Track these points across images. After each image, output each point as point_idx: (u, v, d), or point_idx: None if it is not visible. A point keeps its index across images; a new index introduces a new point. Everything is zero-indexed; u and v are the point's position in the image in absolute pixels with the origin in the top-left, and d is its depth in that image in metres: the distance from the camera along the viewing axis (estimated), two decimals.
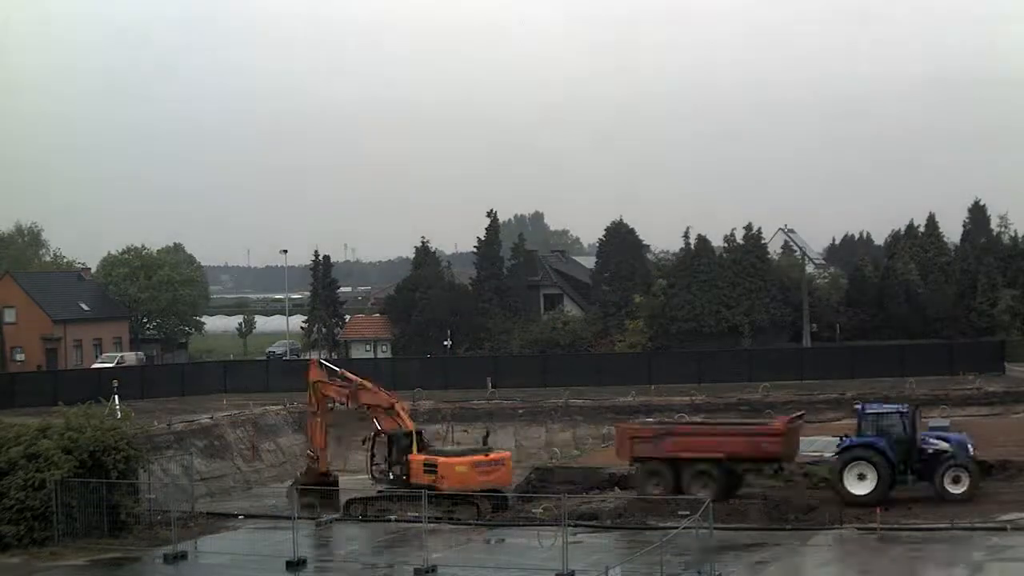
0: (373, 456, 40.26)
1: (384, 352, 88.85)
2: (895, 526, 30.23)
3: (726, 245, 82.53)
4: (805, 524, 31.47)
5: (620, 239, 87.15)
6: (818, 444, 47.88)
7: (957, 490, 34.25)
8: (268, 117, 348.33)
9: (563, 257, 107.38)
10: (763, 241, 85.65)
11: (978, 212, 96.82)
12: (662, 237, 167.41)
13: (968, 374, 62.50)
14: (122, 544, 31.34)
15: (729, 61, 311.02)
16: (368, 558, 29.26)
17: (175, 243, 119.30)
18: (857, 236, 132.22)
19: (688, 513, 27.96)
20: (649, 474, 37.47)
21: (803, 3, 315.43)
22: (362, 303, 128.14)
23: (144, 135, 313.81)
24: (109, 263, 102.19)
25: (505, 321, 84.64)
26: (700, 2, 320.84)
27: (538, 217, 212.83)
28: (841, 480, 34.94)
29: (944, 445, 35.43)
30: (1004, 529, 29.57)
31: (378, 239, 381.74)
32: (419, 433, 40.18)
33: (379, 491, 39.26)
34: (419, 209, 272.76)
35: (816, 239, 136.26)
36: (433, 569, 27.04)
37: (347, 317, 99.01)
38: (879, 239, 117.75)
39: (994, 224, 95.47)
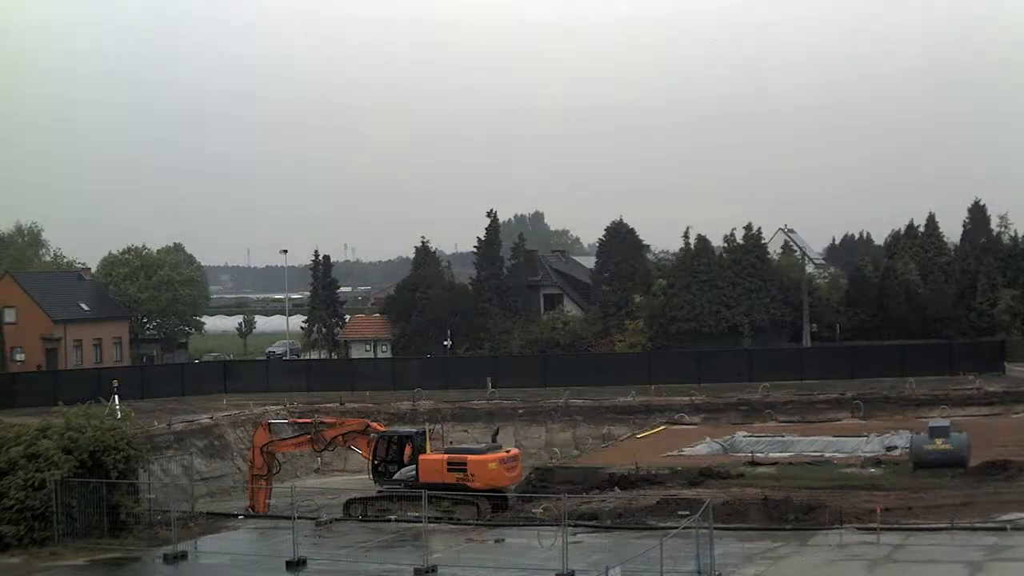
0: (378, 459, 39.89)
1: (384, 352, 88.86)
2: (895, 526, 30.21)
3: (726, 245, 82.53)
4: (805, 524, 31.44)
5: (620, 239, 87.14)
6: (818, 444, 47.95)
7: None
8: (268, 117, 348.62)
9: (563, 257, 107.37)
10: (763, 241, 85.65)
11: (978, 212, 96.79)
12: (662, 237, 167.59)
13: (968, 374, 62.54)
14: (122, 544, 31.32)
15: (729, 61, 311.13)
16: (368, 558, 29.24)
17: (175, 243, 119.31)
18: (857, 236, 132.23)
19: (688, 513, 27.94)
20: None
21: (803, 2, 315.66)
22: (362, 303, 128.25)
23: (144, 134, 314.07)
24: (109, 263, 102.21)
25: (505, 321, 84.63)
26: (700, 2, 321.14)
27: (538, 217, 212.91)
28: None
29: None
30: (1004, 529, 29.56)
31: (378, 239, 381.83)
32: (421, 434, 40.07)
33: (378, 491, 39.25)
34: (419, 209, 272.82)
35: (816, 239, 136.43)
36: (433, 569, 27.03)
37: (347, 317, 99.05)
38: (879, 239, 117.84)
39: (994, 224, 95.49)
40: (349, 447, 41.37)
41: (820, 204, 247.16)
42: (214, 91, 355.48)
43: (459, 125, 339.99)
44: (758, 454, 43.97)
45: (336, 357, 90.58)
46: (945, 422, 41.85)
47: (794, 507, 33.53)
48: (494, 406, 61.99)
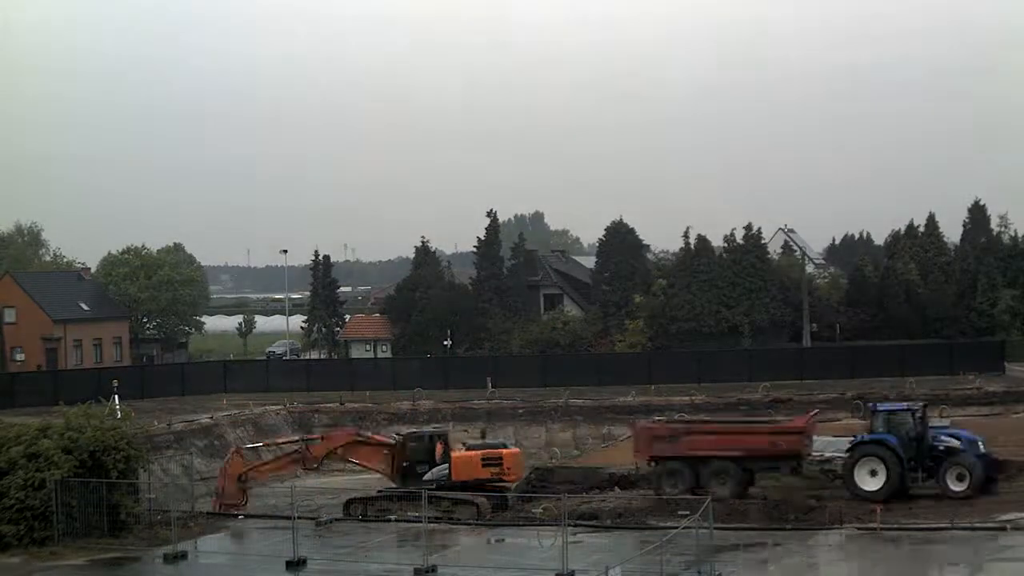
0: (406, 461, 39.37)
1: (384, 352, 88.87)
2: (895, 526, 30.22)
3: (726, 245, 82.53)
4: (805, 524, 31.46)
5: (620, 239, 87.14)
6: (818, 444, 47.84)
7: (958, 488, 34.30)
8: (269, 117, 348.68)
9: (563, 257, 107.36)
10: (763, 241, 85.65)
11: (978, 212, 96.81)
12: (662, 237, 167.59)
13: (968, 374, 62.54)
14: (122, 544, 31.33)
15: (729, 61, 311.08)
16: (368, 558, 29.24)
17: (175, 243, 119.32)
18: (857, 236, 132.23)
19: (688, 513, 27.96)
20: (667, 473, 37.30)
21: (803, 2, 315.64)
22: (362, 303, 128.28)
23: (144, 134, 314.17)
24: (109, 263, 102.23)
25: (505, 321, 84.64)
26: (700, 2, 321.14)
27: (538, 217, 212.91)
28: (852, 476, 35.03)
29: (955, 443, 35.50)
30: (1004, 529, 29.57)
31: (378, 239, 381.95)
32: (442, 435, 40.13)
33: (378, 491, 39.22)
34: (419, 209, 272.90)
35: (816, 239, 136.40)
36: (433, 569, 27.04)
37: (347, 317, 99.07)
38: (879, 239, 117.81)
39: (994, 224, 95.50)
40: (346, 459, 40.87)
41: (820, 204, 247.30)
42: (214, 91, 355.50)
43: (459, 125, 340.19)
44: None
45: (336, 357, 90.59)
46: (945, 422, 41.83)
47: (794, 507, 33.55)
48: (494, 406, 62.00)
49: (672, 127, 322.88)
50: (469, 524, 33.97)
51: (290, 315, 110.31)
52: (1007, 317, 78.31)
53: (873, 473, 34.84)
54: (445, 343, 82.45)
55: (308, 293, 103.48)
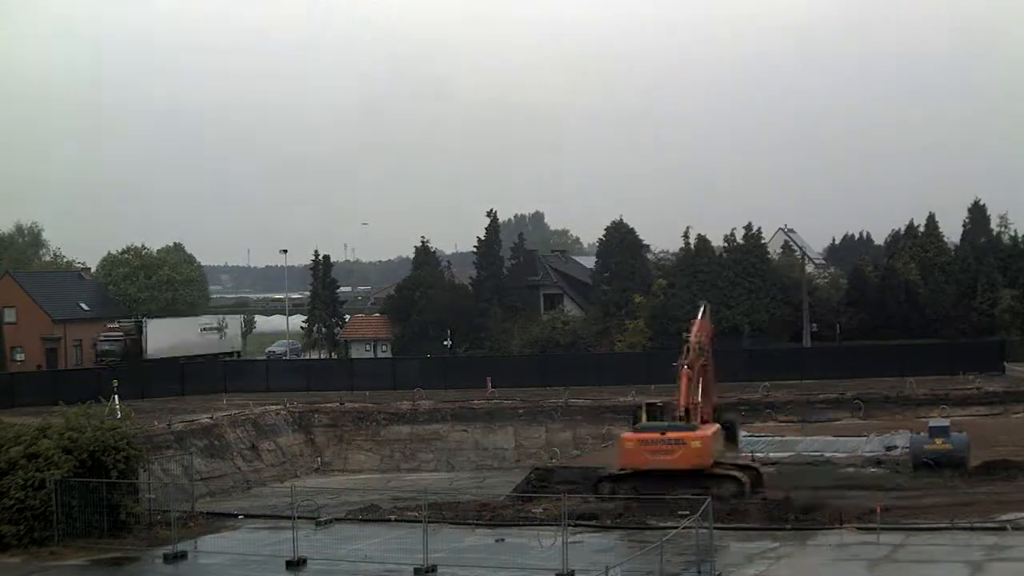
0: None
1: (384, 352, 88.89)
2: (895, 526, 30.22)
3: (726, 245, 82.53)
4: (805, 524, 31.45)
5: (620, 239, 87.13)
6: (818, 444, 47.93)
7: None
8: (268, 116, 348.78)
9: (563, 257, 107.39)
10: (763, 241, 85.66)
11: (978, 212, 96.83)
12: (662, 237, 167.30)
13: (968, 374, 62.52)
14: (122, 544, 31.31)
15: (729, 60, 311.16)
16: (368, 558, 29.22)
17: (175, 243, 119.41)
18: (857, 236, 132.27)
19: (688, 513, 27.94)
20: None
21: (803, 2, 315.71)
22: (362, 303, 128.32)
23: (144, 133, 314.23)
24: (109, 263, 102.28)
25: (505, 321, 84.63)
26: (700, 2, 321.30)
27: (538, 217, 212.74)
28: None
29: None
30: (1004, 529, 29.57)
31: (378, 239, 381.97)
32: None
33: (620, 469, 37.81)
34: (419, 209, 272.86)
35: (816, 239, 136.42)
36: (433, 569, 27.02)
37: (347, 317, 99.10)
38: (879, 239, 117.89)
39: (994, 224, 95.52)
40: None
41: (820, 204, 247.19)
42: (214, 90, 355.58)
43: (459, 124, 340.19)
44: (758, 454, 43.95)
45: (336, 357, 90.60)
46: (945, 422, 41.85)
47: (794, 507, 33.54)
48: (494, 406, 62.00)
49: (672, 127, 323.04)
50: (469, 524, 33.92)
51: (290, 315, 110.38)
52: (1007, 317, 78.28)
53: None
54: (445, 343, 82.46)
55: (308, 293, 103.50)
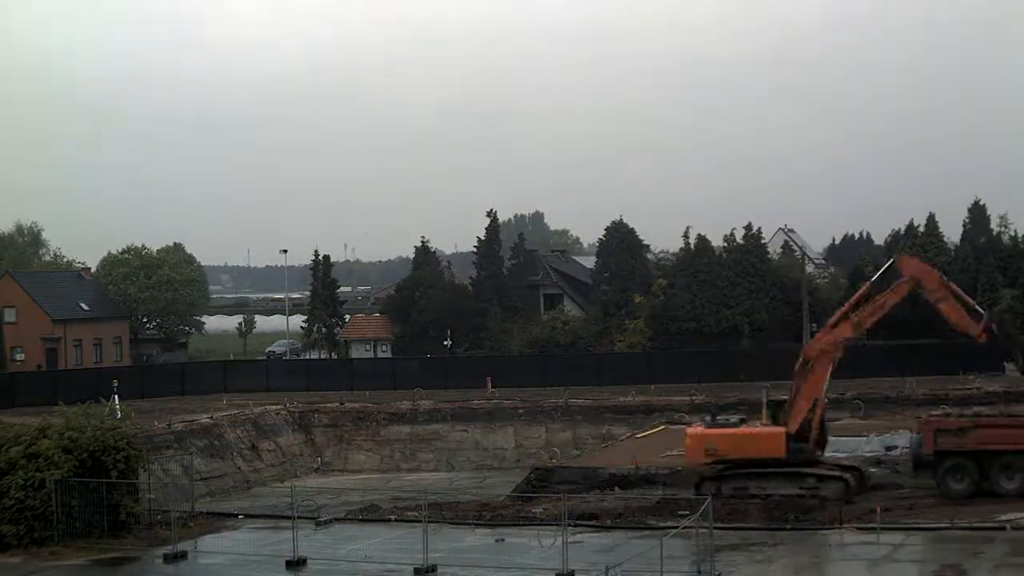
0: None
1: (384, 352, 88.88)
2: (895, 526, 30.22)
3: (726, 245, 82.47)
4: (805, 524, 31.45)
5: (620, 239, 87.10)
6: None
7: None
8: (268, 116, 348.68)
9: (563, 257, 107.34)
10: (763, 241, 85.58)
11: (978, 212, 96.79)
12: (662, 237, 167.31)
13: (968, 374, 62.48)
14: (122, 544, 31.32)
15: (728, 60, 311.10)
16: (368, 558, 29.22)
17: (175, 243, 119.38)
18: (857, 236, 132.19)
19: (688, 513, 27.95)
20: (952, 469, 35.63)
21: (803, 3, 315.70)
22: (362, 303, 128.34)
23: (144, 133, 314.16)
24: (109, 263, 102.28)
25: (505, 321, 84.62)
26: (700, 3, 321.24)
27: (538, 217, 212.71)
28: None
29: None
30: (1004, 529, 29.57)
31: (378, 239, 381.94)
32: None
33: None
34: (419, 209, 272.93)
35: (816, 239, 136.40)
36: (433, 569, 27.03)
37: (347, 317, 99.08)
38: (879, 239, 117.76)
39: (994, 224, 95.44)
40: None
41: (820, 204, 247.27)
42: (214, 90, 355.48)
43: (459, 125, 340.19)
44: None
45: (336, 357, 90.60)
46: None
47: (794, 507, 33.54)
48: (494, 406, 62.01)
49: (672, 127, 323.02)
50: (469, 524, 33.93)
51: (290, 315, 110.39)
52: (1007, 317, 78.19)
53: None
54: (445, 343, 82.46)
55: (308, 293, 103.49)
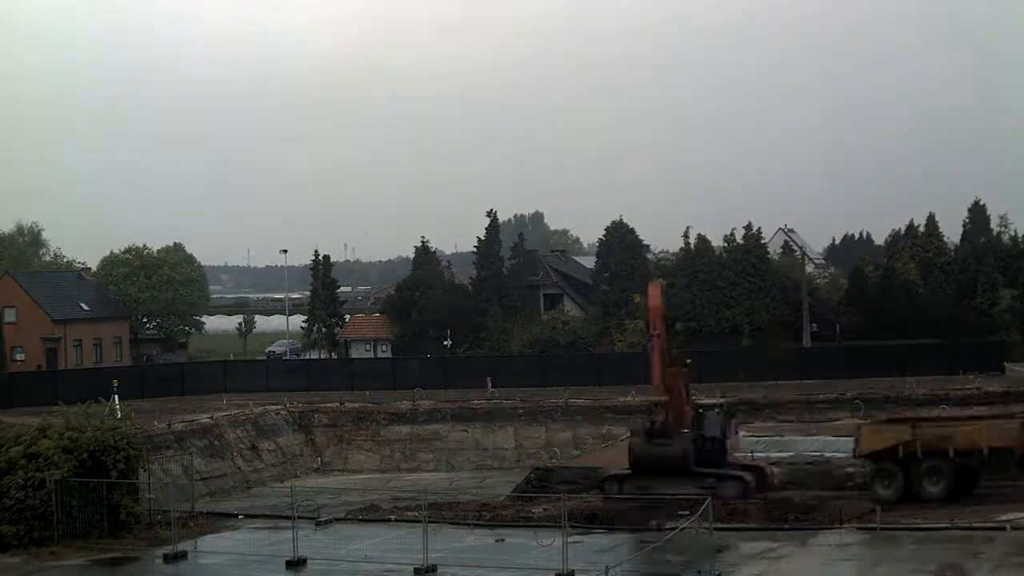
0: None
1: (384, 352, 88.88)
2: (895, 526, 30.22)
3: (726, 245, 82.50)
4: (805, 524, 31.44)
5: (620, 239, 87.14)
6: (817, 444, 47.85)
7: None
8: (268, 116, 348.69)
9: (563, 257, 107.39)
10: (763, 241, 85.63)
11: (978, 212, 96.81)
12: (662, 237, 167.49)
13: (968, 374, 62.50)
14: (122, 544, 31.31)
15: (729, 60, 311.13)
16: (368, 558, 29.22)
17: (175, 243, 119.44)
18: (857, 236, 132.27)
19: (688, 513, 27.96)
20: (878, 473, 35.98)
21: (803, 3, 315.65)
22: (362, 303, 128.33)
23: (144, 133, 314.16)
24: (109, 263, 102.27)
25: (505, 321, 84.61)
26: (700, 4, 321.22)
27: (538, 217, 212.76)
28: None
29: None
30: (1004, 529, 29.57)
31: (378, 239, 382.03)
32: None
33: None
34: (419, 209, 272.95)
35: (816, 239, 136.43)
36: (433, 569, 27.02)
37: (347, 317, 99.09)
38: (879, 239, 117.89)
39: (994, 224, 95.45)
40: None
41: (820, 204, 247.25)
42: (214, 90, 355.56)
43: (459, 124, 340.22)
44: (758, 454, 43.91)
45: (336, 357, 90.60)
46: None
47: (794, 507, 33.53)
48: (494, 406, 61.99)
49: (672, 127, 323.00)
50: (468, 524, 33.93)
51: (290, 315, 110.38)
52: (1007, 317, 78.25)
53: None
54: (445, 343, 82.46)
55: (308, 293, 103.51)
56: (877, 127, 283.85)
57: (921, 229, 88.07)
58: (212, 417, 56.96)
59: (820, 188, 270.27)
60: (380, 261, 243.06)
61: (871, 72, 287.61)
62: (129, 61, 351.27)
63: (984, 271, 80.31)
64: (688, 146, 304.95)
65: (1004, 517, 30.67)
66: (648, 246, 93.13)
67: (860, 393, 58.33)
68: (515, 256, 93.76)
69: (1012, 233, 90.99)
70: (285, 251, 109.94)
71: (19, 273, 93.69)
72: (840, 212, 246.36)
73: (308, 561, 28.66)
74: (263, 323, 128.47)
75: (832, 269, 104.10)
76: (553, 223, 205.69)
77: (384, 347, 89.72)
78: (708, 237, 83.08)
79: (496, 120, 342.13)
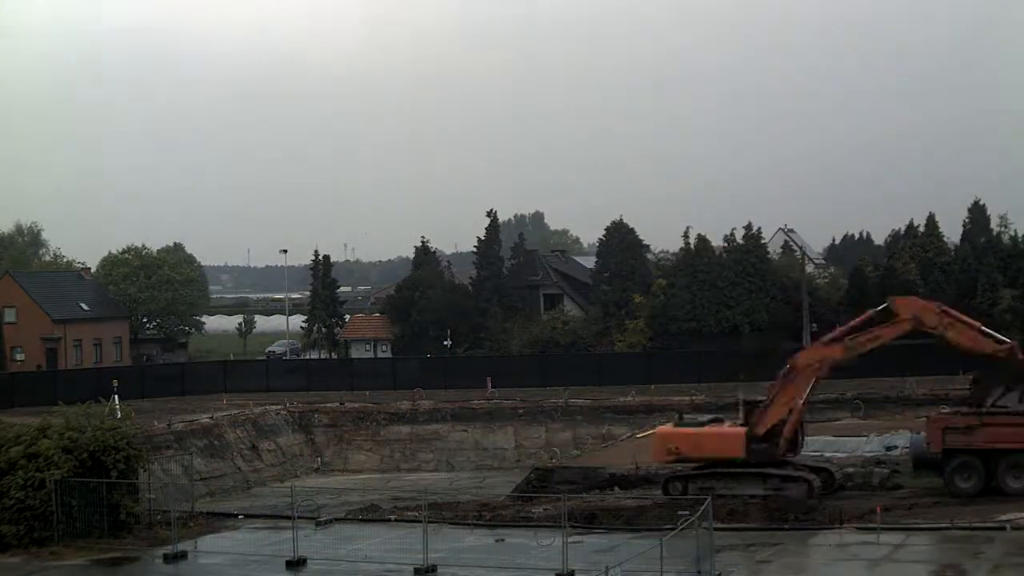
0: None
1: (384, 352, 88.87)
2: (895, 526, 30.21)
3: (726, 245, 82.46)
4: (805, 524, 31.44)
5: (620, 239, 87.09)
6: (817, 444, 47.86)
7: None
8: (268, 116, 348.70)
9: (563, 257, 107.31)
10: (763, 241, 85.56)
11: (978, 212, 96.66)
12: (662, 237, 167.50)
13: (968, 374, 62.36)
14: (122, 544, 31.31)
15: (728, 60, 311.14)
16: (368, 558, 29.22)
17: (175, 243, 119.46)
18: (857, 236, 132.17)
19: (688, 513, 27.93)
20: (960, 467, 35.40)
21: (803, 3, 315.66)
22: (362, 303, 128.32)
23: (144, 133, 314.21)
24: (109, 263, 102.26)
25: (505, 321, 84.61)
26: (699, 4, 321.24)
27: (538, 217, 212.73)
28: None
29: None
30: (1004, 529, 29.57)
31: (378, 239, 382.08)
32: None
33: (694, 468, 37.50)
34: (419, 209, 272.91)
35: (816, 239, 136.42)
36: (433, 569, 27.02)
37: (347, 317, 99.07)
38: (879, 239, 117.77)
39: (994, 224, 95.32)
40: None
41: (820, 204, 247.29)
42: (214, 90, 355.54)
43: (459, 124, 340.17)
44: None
45: (336, 357, 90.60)
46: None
47: (794, 507, 33.52)
48: (494, 406, 62.02)
49: (672, 126, 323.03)
50: (468, 524, 33.93)
51: (290, 315, 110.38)
52: (1007, 317, 78.14)
53: None
54: (445, 343, 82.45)
55: (308, 293, 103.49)
56: (877, 127, 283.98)
57: (921, 229, 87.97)
58: (212, 417, 56.99)
59: (820, 188, 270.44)
60: (380, 261, 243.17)
61: (871, 72, 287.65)
62: (129, 61, 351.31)
63: (984, 271, 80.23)
64: (688, 146, 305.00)
65: (1004, 517, 30.67)
66: (648, 246, 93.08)
67: (860, 393, 58.36)
68: (515, 256, 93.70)
69: (1012, 233, 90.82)
70: (285, 251, 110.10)
71: (19, 273, 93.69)
72: (840, 212, 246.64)
73: (308, 561, 28.65)
74: (263, 323, 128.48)
75: (832, 269, 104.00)
76: (553, 223, 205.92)
77: (384, 347, 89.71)
78: (708, 237, 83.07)
79: (496, 120, 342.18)
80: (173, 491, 42.49)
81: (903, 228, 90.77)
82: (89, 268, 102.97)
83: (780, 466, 36.40)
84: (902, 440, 44.61)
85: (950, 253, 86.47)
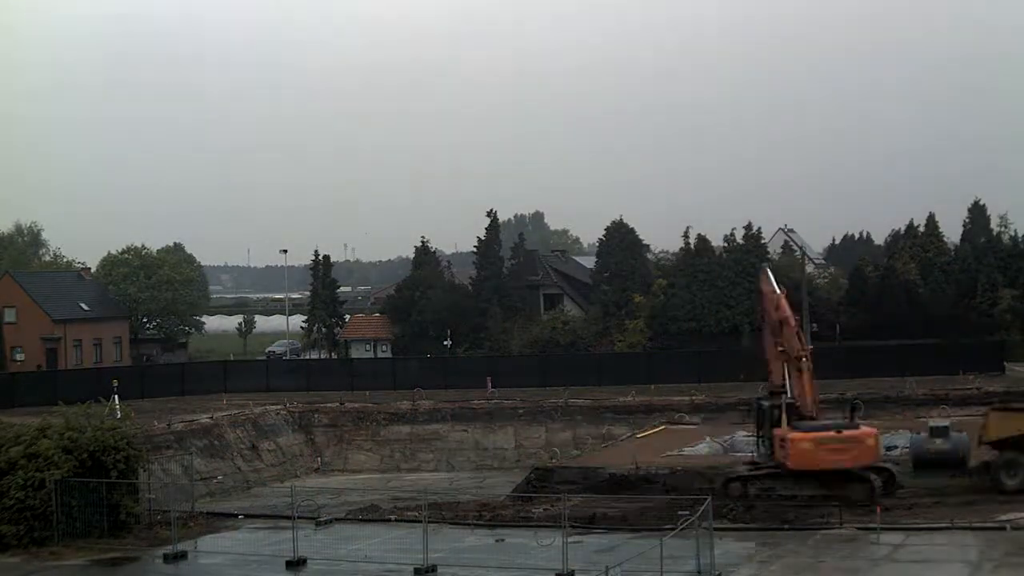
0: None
1: (384, 352, 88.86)
2: (895, 526, 30.22)
3: (726, 245, 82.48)
4: (805, 524, 31.44)
5: (620, 239, 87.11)
6: None
7: None
8: (268, 116, 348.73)
9: (563, 257, 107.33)
10: (763, 241, 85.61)
11: (978, 212, 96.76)
12: (662, 237, 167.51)
13: (968, 374, 62.48)
14: (122, 544, 31.33)
15: (728, 60, 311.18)
16: (368, 558, 29.23)
17: (175, 243, 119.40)
18: (857, 236, 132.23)
19: (688, 513, 27.94)
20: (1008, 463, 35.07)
21: (803, 3, 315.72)
22: (362, 303, 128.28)
23: (144, 133, 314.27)
24: (109, 263, 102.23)
25: (505, 321, 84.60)
26: (699, 4, 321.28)
27: (538, 217, 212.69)
28: None
29: None
30: (1004, 529, 29.58)
31: (378, 239, 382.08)
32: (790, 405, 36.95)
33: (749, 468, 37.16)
34: (419, 209, 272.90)
35: (816, 239, 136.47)
36: (433, 569, 27.03)
37: (347, 317, 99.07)
38: (879, 239, 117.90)
39: (994, 224, 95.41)
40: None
41: (820, 204, 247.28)
42: (214, 90, 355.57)
43: (459, 124, 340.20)
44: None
45: (336, 357, 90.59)
46: (945, 422, 41.73)
47: (794, 507, 33.51)
48: (494, 406, 62.00)
49: (672, 127, 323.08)
50: (468, 524, 33.93)
51: (290, 315, 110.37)
52: (1007, 317, 78.21)
53: None
54: (445, 343, 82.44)
55: (308, 293, 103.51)
56: (877, 127, 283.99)
57: (921, 229, 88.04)
58: (212, 417, 56.97)
59: (820, 188, 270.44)
60: (380, 261, 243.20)
61: (870, 71, 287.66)
62: (129, 61, 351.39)
63: (984, 271, 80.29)
64: (688, 146, 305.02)
65: (1004, 517, 30.70)
66: (648, 246, 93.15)
67: (860, 393, 58.25)
68: (515, 256, 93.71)
69: (1012, 233, 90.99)
70: (285, 251, 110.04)
71: (19, 273, 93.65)
72: (840, 212, 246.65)
73: (308, 561, 28.67)
74: (263, 323, 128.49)
75: (832, 269, 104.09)
76: (553, 223, 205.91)
77: (384, 347, 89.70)
78: (708, 237, 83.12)
79: (496, 120, 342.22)
80: (173, 491, 42.48)
81: (903, 228, 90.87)
82: (89, 268, 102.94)
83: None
84: (902, 440, 44.57)
85: (950, 253, 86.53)
